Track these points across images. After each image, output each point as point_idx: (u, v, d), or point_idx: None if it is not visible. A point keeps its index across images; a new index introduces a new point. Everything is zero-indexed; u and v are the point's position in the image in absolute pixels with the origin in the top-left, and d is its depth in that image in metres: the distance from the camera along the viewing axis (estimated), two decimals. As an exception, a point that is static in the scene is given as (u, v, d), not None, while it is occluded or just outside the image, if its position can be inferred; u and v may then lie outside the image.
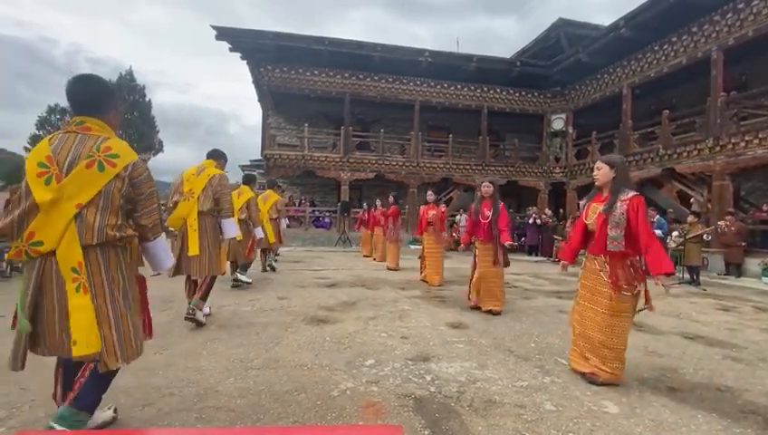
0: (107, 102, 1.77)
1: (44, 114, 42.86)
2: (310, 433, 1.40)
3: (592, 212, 2.68)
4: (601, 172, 2.66)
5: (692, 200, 10.75)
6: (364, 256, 10.41)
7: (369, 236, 10.25)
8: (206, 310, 3.77)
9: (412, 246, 9.02)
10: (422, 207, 6.63)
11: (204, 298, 3.58)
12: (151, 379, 2.38)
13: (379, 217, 9.24)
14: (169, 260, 1.97)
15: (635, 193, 2.54)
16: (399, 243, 8.14)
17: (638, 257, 2.53)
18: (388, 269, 7.80)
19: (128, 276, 1.72)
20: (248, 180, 5.79)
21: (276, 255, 8.09)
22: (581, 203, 2.89)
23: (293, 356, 2.86)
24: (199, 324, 3.46)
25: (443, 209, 6.70)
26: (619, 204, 2.53)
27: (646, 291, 2.54)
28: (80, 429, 1.61)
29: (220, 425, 1.91)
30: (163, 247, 1.89)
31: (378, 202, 9.86)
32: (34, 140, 41.83)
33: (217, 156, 3.82)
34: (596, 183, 2.74)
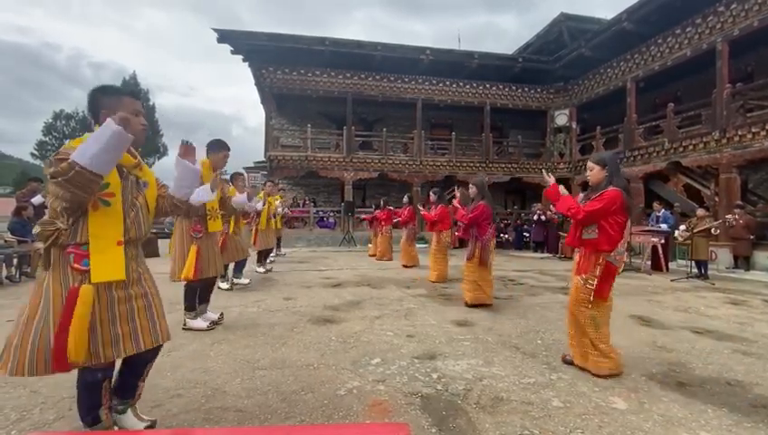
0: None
1: (50, 120, 43.17)
2: (317, 432, 1.40)
3: None
4: (593, 172, 2.68)
5: (702, 194, 10.64)
6: (370, 255, 10.47)
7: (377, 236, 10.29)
8: (211, 315, 3.70)
9: (418, 245, 9.02)
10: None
11: (187, 308, 3.50)
12: (159, 380, 2.40)
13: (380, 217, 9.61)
14: None
15: (615, 188, 2.55)
16: (413, 242, 8.23)
17: (613, 255, 2.56)
18: (404, 267, 7.89)
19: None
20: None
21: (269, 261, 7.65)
22: (579, 198, 2.91)
23: (300, 356, 2.87)
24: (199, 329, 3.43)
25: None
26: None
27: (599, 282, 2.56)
28: None
29: (228, 425, 1.92)
30: None
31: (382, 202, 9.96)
32: (41, 146, 42.22)
33: (207, 150, 3.60)
34: (589, 183, 2.75)
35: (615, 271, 2.59)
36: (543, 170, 3.00)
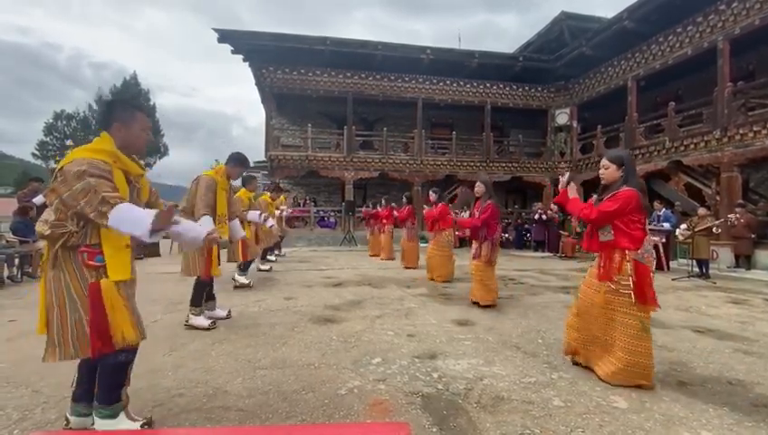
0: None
1: (51, 120, 43.27)
2: (318, 431, 1.41)
3: None
4: (609, 171, 2.50)
5: (703, 192, 10.63)
6: (370, 255, 10.44)
7: (377, 236, 10.25)
8: (220, 313, 3.82)
9: (422, 245, 9.02)
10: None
11: (193, 304, 3.55)
12: (161, 380, 2.41)
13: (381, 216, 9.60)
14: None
15: (629, 188, 2.41)
16: (416, 242, 8.16)
17: (639, 253, 2.40)
18: (406, 268, 7.75)
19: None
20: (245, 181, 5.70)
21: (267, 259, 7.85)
22: (592, 200, 2.78)
23: (301, 356, 2.88)
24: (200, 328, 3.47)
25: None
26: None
27: (637, 286, 2.37)
28: None
29: (229, 425, 1.93)
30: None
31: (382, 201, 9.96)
32: (42, 146, 42.34)
33: (228, 160, 3.84)
34: (602, 182, 2.59)
35: (647, 270, 2.39)
36: (566, 172, 2.87)
